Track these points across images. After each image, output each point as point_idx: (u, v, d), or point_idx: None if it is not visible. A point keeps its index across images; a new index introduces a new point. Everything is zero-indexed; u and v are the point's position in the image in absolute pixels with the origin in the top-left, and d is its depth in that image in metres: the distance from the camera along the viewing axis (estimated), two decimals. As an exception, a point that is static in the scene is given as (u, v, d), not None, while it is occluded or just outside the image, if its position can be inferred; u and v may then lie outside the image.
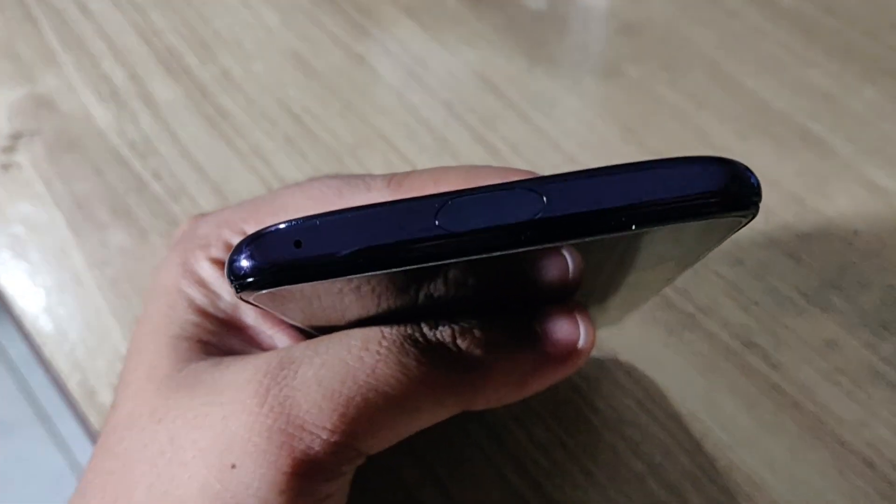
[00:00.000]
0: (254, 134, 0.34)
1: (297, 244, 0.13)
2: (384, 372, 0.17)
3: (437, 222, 0.13)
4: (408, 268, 0.13)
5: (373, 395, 0.16)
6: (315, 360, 0.17)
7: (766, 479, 0.25)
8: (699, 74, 0.34)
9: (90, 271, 0.31)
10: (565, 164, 0.32)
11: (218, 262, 0.20)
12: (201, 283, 0.20)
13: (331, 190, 0.19)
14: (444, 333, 0.18)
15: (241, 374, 0.17)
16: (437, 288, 0.16)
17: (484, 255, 0.13)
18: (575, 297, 0.19)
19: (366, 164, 0.33)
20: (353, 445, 0.17)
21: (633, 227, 0.13)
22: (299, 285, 0.14)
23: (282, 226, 0.13)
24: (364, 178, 0.19)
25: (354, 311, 0.17)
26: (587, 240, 0.13)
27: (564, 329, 0.19)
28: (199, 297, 0.20)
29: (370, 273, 0.13)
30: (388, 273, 0.13)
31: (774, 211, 0.30)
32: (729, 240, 0.16)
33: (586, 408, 0.27)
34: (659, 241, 0.15)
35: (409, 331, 0.17)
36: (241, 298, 0.14)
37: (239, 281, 0.14)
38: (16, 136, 0.35)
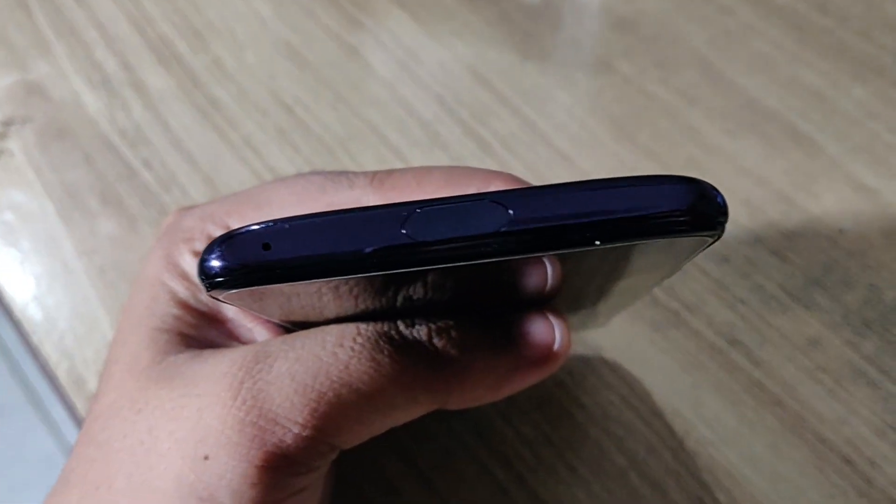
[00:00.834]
0: (245, 125, 0.34)
1: (266, 247, 0.13)
2: (357, 368, 0.17)
3: (403, 231, 0.13)
4: (375, 274, 0.13)
5: (345, 390, 0.17)
6: (289, 355, 0.17)
7: (748, 475, 0.25)
8: (691, 71, 0.34)
9: (79, 260, 0.31)
10: (555, 159, 0.32)
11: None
12: (184, 276, 0.20)
13: (314, 186, 0.19)
14: (420, 332, 0.18)
15: (217, 366, 0.17)
16: (413, 290, 0.16)
17: (449, 265, 0.13)
18: (553, 302, 0.20)
19: (357, 157, 0.33)
20: (325, 440, 0.17)
21: (597, 243, 0.13)
22: (269, 286, 0.14)
23: (252, 227, 0.14)
24: (347, 175, 0.19)
25: (332, 309, 0.17)
26: (551, 253, 0.14)
27: (540, 332, 0.19)
28: (181, 290, 0.20)
29: (337, 278, 0.13)
30: (357, 277, 0.14)
31: (762, 209, 0.30)
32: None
33: (571, 403, 0.27)
34: (633, 254, 0.15)
35: (386, 328, 0.18)
36: (213, 297, 0.14)
37: (209, 280, 0.14)
38: (7, 123, 0.35)
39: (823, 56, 0.34)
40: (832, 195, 0.30)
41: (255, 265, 0.13)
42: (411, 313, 0.18)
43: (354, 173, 0.19)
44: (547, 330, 0.19)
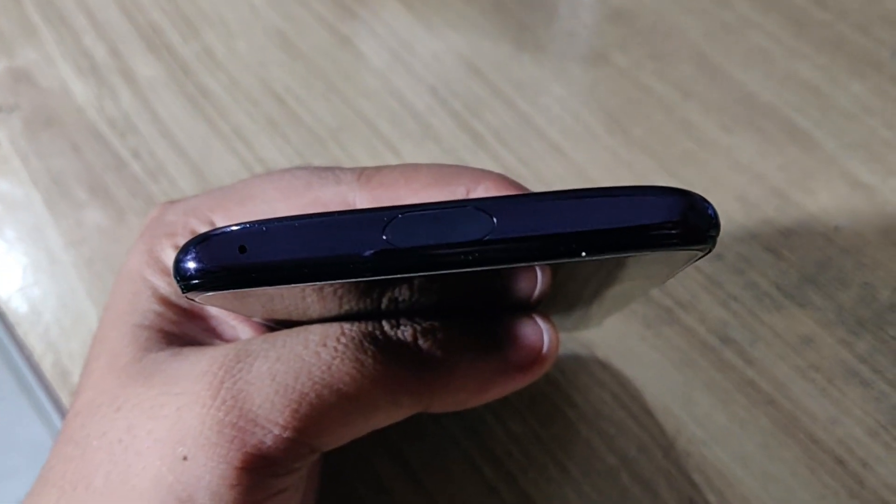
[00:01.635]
0: (235, 114, 0.34)
1: (242, 249, 0.13)
2: (340, 369, 0.16)
3: (384, 236, 0.13)
4: (354, 280, 0.13)
5: (327, 391, 0.16)
6: (271, 354, 0.17)
7: (739, 475, 0.25)
8: (686, 64, 0.34)
9: (66, 250, 0.31)
10: (549, 153, 0.32)
11: None
12: (165, 272, 0.19)
13: (300, 182, 0.18)
14: (405, 333, 0.18)
15: (197, 365, 0.17)
16: (398, 293, 0.16)
17: (430, 273, 0.13)
18: (543, 305, 0.19)
19: (348, 149, 0.33)
20: (306, 442, 0.17)
21: (583, 254, 0.13)
22: (245, 289, 0.13)
23: (228, 229, 0.13)
24: (334, 171, 0.19)
25: (315, 310, 0.17)
26: (535, 264, 0.13)
27: (528, 335, 0.19)
28: (163, 286, 0.19)
29: (315, 283, 0.13)
30: (336, 282, 0.13)
31: (756, 205, 0.29)
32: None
33: (562, 401, 0.26)
34: (624, 263, 0.15)
35: (370, 328, 0.17)
36: (189, 298, 0.14)
37: (184, 282, 0.13)
38: (-7, 111, 0.35)
39: (821, 50, 0.33)
40: (828, 192, 0.30)
41: (230, 268, 0.13)
42: (396, 314, 0.18)
43: (342, 169, 0.19)
44: (535, 333, 0.19)
